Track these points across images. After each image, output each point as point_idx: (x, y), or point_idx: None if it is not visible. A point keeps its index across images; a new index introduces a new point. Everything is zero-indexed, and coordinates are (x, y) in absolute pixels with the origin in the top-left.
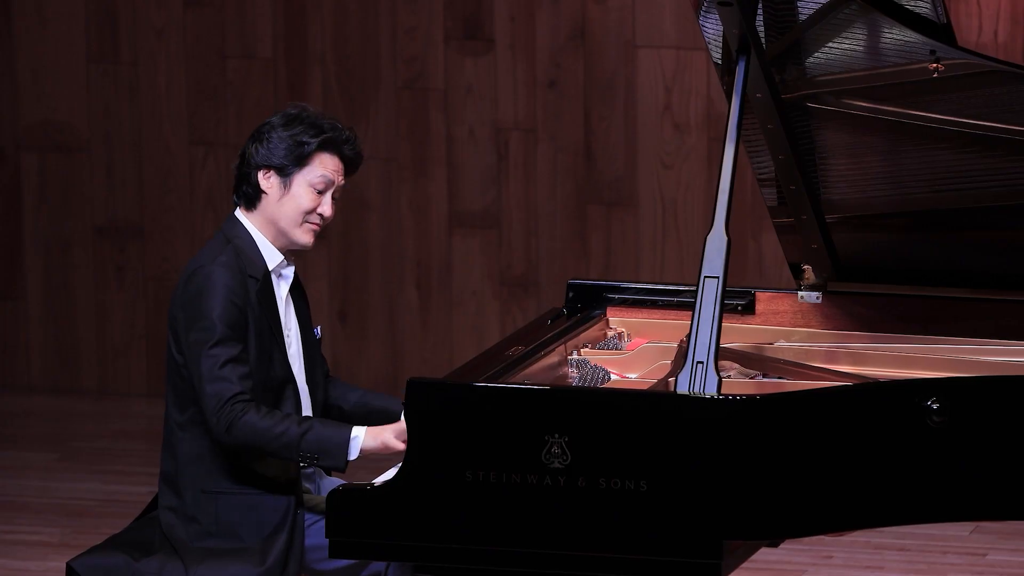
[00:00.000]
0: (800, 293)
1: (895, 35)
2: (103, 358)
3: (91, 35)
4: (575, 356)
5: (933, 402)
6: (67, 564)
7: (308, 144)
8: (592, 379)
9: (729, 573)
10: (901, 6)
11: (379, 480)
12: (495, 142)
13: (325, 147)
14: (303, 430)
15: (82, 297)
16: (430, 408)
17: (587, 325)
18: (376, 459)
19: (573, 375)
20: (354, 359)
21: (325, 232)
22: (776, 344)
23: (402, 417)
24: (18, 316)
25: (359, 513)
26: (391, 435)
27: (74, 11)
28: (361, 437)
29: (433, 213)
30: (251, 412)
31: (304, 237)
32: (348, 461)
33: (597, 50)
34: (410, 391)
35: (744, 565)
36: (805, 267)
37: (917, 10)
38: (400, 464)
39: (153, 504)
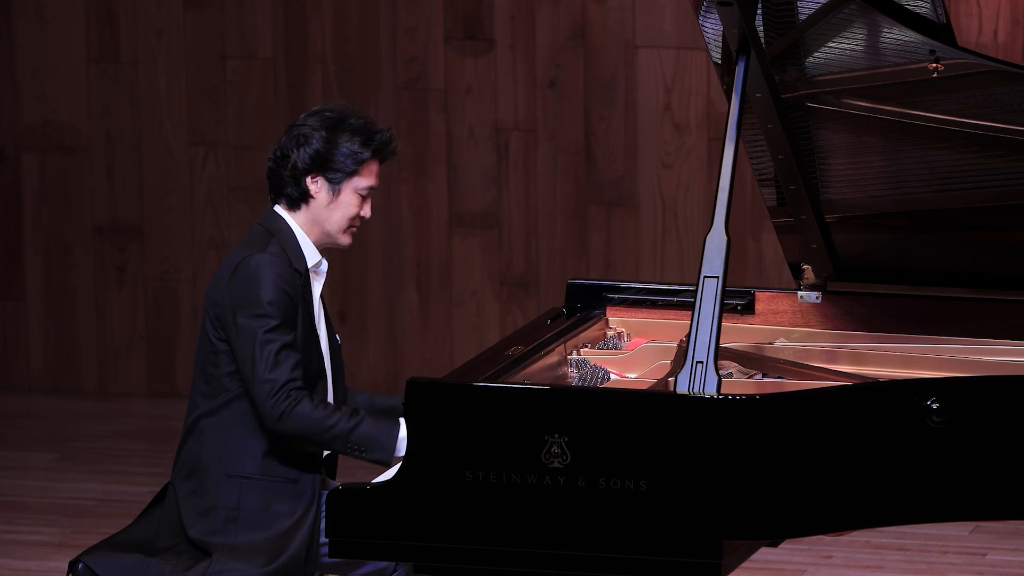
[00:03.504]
0: (800, 293)
1: (895, 35)
2: (103, 358)
3: (91, 35)
4: (575, 356)
5: (933, 402)
6: (81, 561)
7: (361, 154)
8: (592, 379)
9: (729, 573)
10: (901, 6)
11: (379, 480)
12: (495, 142)
13: (374, 155)
14: (354, 424)
15: (82, 297)
16: (430, 408)
17: (587, 325)
18: None
19: (573, 375)
20: (354, 359)
21: None
22: (776, 344)
23: None
24: (18, 316)
25: (359, 513)
26: None
27: (74, 11)
28: (405, 431)
29: (433, 213)
30: (305, 402)
31: (347, 239)
32: (395, 456)
33: (597, 50)
34: (410, 391)
35: (744, 565)
36: (805, 267)
37: (917, 10)
38: (400, 464)
39: (155, 501)
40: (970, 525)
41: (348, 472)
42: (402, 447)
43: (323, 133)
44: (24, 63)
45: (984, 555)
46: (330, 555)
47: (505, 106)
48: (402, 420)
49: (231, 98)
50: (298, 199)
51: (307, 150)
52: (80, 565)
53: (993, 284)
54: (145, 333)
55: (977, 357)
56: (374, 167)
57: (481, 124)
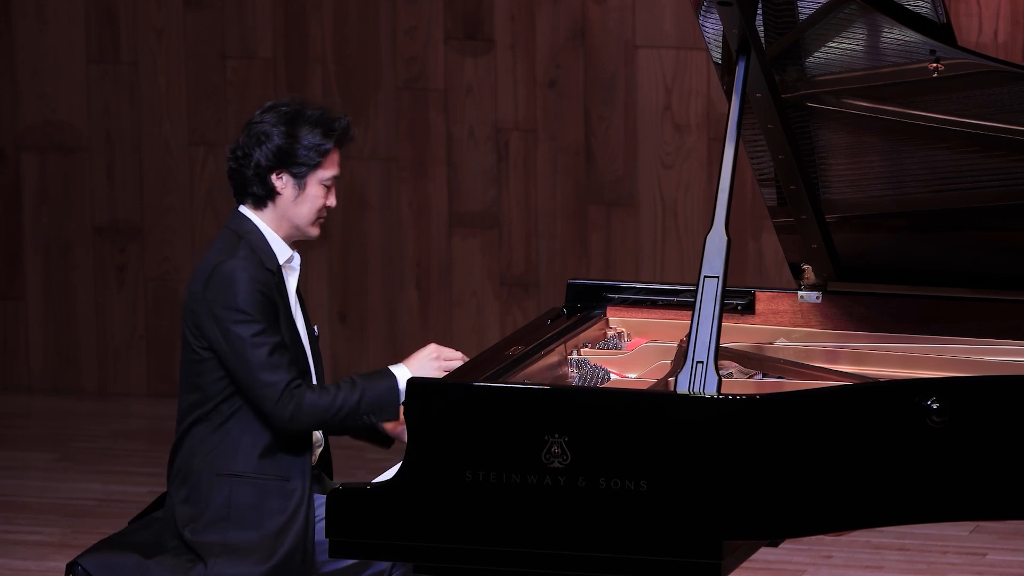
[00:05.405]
0: (800, 293)
1: (895, 35)
2: (103, 358)
3: (91, 35)
4: (575, 356)
5: (933, 402)
6: (77, 562)
7: (324, 145)
8: (592, 379)
9: (729, 573)
10: (901, 6)
11: (379, 480)
12: (495, 142)
13: (336, 145)
14: (358, 396)
15: (82, 297)
16: (430, 408)
17: (587, 325)
18: (376, 459)
19: (573, 375)
20: (354, 359)
21: (325, 232)
22: (776, 344)
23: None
24: (18, 316)
25: (359, 513)
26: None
27: (74, 11)
28: (402, 380)
29: (433, 213)
30: (308, 394)
31: (315, 231)
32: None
33: (597, 50)
34: (410, 391)
35: (744, 565)
36: (805, 267)
37: (917, 10)
38: (400, 464)
39: (154, 505)
40: (970, 525)
41: (348, 472)
42: (403, 395)
43: (283, 128)
44: (24, 63)
45: (984, 555)
46: (330, 555)
47: (505, 106)
48: (392, 368)
49: (231, 98)
50: (264, 197)
51: (269, 147)
52: (79, 567)
53: (993, 284)
54: (145, 333)
55: (977, 357)
56: (335, 156)
57: (481, 124)
